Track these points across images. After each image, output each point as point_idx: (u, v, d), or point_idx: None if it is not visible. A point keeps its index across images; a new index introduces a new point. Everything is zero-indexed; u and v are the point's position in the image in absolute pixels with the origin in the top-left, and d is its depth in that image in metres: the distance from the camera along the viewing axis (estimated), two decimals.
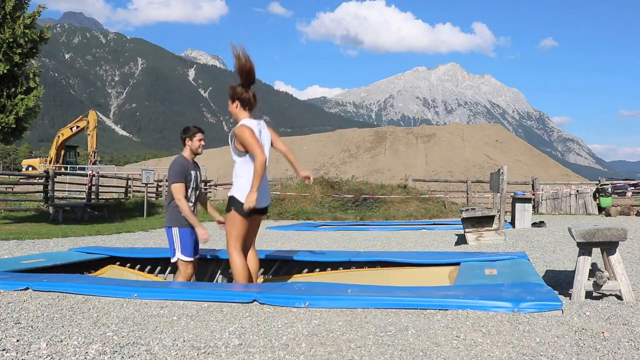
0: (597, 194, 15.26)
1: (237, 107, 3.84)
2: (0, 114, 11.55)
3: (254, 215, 3.89)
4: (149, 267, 5.49)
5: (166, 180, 22.33)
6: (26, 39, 11.43)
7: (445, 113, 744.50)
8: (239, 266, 3.87)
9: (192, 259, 4.36)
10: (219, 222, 4.44)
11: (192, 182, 4.39)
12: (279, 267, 5.31)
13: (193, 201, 4.42)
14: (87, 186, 15.92)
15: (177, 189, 4.25)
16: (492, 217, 7.13)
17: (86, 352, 2.33)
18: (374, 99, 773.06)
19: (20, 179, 18.61)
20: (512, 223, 10.14)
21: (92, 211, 14.00)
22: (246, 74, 3.77)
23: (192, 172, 4.42)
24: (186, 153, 4.45)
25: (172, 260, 4.40)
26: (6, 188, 19.13)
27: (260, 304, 3.24)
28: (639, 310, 3.10)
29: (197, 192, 4.46)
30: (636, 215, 13.52)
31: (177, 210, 4.32)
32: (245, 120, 3.78)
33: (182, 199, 4.25)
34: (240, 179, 3.76)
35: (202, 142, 4.46)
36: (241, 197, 3.72)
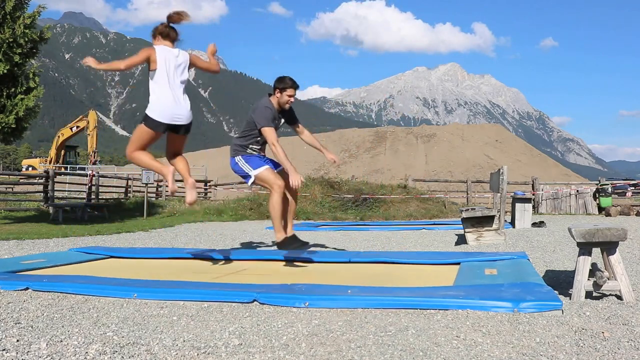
0: (597, 194, 15.25)
1: (158, 40, 4.28)
2: (0, 114, 11.55)
3: (170, 133, 4.18)
4: None
5: (166, 181, 22.33)
6: (26, 39, 11.42)
7: (445, 113, 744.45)
8: (142, 157, 4.20)
9: (263, 168, 4.38)
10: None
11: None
12: None
13: (261, 144, 4.48)
14: (87, 186, 15.92)
15: (269, 133, 4.29)
16: (492, 217, 7.13)
17: (86, 352, 2.33)
18: (374, 99, 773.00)
19: (20, 179, 18.60)
20: (512, 223, 10.14)
21: (92, 211, 13.99)
22: (176, 20, 4.30)
23: (275, 122, 4.46)
24: (273, 100, 4.44)
25: (249, 183, 4.47)
26: (6, 188, 19.12)
27: (260, 304, 3.24)
28: (639, 310, 3.10)
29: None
30: (636, 215, 13.52)
31: (239, 142, 4.43)
32: (155, 45, 4.22)
33: (276, 143, 4.28)
34: (151, 97, 4.12)
35: (292, 99, 4.45)
36: (150, 113, 4.08)
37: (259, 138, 4.44)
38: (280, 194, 4.35)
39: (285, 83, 4.42)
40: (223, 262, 5.41)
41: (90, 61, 4.15)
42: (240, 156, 4.43)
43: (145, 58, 4.11)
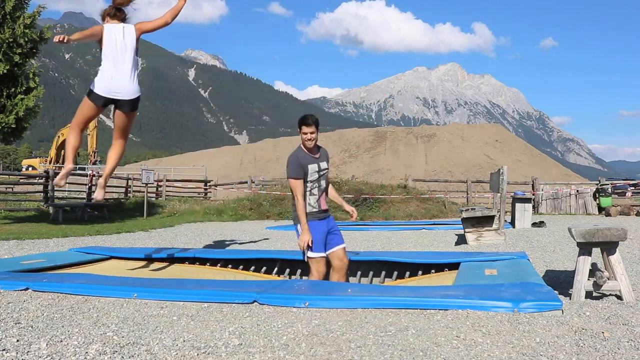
0: (597, 194, 15.25)
1: (107, 21, 4.45)
2: (0, 114, 11.56)
3: (115, 109, 4.28)
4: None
5: (166, 180, 22.35)
6: (26, 39, 11.43)
7: (445, 113, 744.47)
8: (70, 138, 4.42)
9: (322, 254, 4.07)
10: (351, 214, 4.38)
11: (309, 176, 4.11)
12: (280, 267, 5.32)
13: (316, 193, 4.15)
14: (87, 186, 15.91)
15: (293, 185, 4.10)
16: (492, 217, 7.13)
17: (86, 352, 2.33)
18: (374, 99, 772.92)
19: (20, 179, 18.60)
20: (512, 223, 10.14)
21: (92, 211, 13.99)
22: (120, 2, 4.47)
23: (310, 166, 4.13)
24: (302, 144, 4.19)
25: (305, 260, 4.12)
26: (6, 188, 19.12)
27: (260, 304, 3.24)
28: (639, 310, 3.10)
29: (320, 183, 4.20)
30: (636, 215, 13.52)
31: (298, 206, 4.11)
32: (105, 24, 4.40)
33: (298, 196, 4.06)
34: (99, 72, 4.27)
35: (308, 136, 4.09)
36: (92, 85, 4.22)
37: (307, 192, 4.14)
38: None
39: (300, 121, 4.18)
40: (223, 262, 5.42)
41: (62, 37, 4.07)
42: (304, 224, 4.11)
43: (98, 32, 4.29)
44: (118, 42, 4.28)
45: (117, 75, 4.20)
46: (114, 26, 4.36)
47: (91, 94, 4.20)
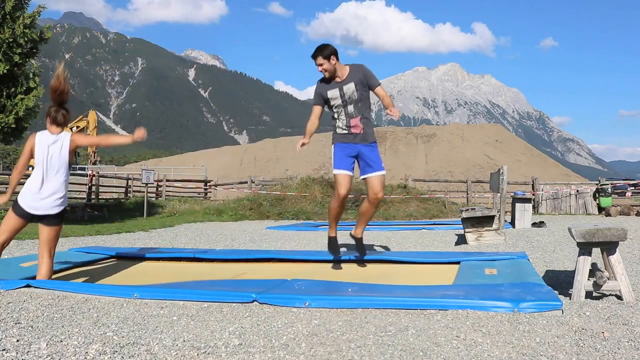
0: (597, 194, 15.25)
1: (47, 122, 4.13)
2: (0, 114, 11.56)
3: (39, 224, 4.01)
4: None
5: (166, 180, 22.34)
6: (26, 39, 11.44)
7: (445, 113, 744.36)
8: None
9: (340, 171, 4.27)
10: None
11: (332, 101, 4.27)
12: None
13: (343, 118, 4.28)
14: (87, 186, 15.92)
15: (312, 110, 4.40)
16: (492, 217, 7.13)
17: (86, 352, 2.33)
18: (374, 99, 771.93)
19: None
20: (512, 223, 10.14)
21: (92, 211, 14.00)
22: (59, 94, 4.11)
23: (329, 92, 4.25)
24: None
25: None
26: (6, 188, 19.12)
27: (260, 304, 3.24)
28: (639, 310, 3.10)
29: (348, 107, 4.27)
30: (636, 215, 13.52)
31: (333, 129, 4.37)
32: (38, 133, 4.09)
33: (311, 118, 4.39)
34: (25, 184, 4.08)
35: (319, 69, 4.23)
36: (19, 199, 4.02)
37: (336, 115, 4.35)
38: (338, 201, 4.33)
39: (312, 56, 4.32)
40: (223, 262, 5.42)
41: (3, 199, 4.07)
42: (333, 145, 4.40)
43: (29, 148, 4.06)
44: (50, 154, 4.02)
45: (42, 191, 3.99)
46: (48, 137, 4.06)
47: (15, 205, 4.02)
